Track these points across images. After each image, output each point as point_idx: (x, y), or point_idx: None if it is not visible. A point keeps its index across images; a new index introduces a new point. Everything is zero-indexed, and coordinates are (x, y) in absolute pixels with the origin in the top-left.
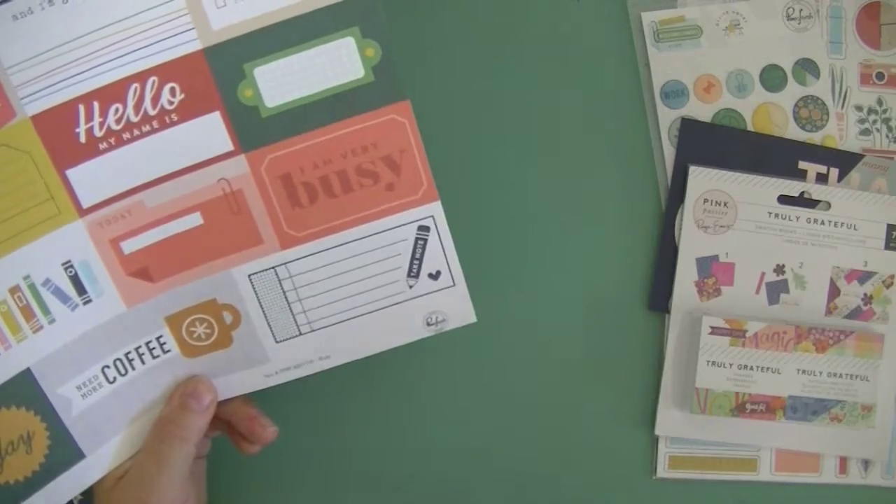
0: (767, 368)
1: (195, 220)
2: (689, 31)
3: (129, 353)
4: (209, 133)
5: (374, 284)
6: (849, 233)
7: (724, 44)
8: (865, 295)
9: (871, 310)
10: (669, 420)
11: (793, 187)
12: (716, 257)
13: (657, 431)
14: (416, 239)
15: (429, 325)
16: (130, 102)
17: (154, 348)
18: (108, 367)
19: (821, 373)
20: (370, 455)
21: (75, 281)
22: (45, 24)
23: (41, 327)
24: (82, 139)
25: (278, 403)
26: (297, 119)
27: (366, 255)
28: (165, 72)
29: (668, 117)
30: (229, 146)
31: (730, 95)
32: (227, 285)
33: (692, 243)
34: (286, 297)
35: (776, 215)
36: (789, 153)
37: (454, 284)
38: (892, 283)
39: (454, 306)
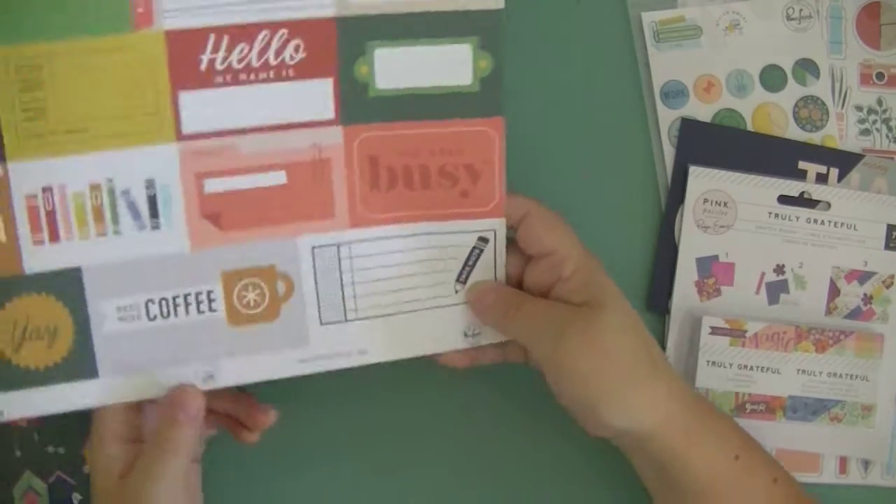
0: (767, 368)
1: (279, 178)
2: (689, 31)
3: (177, 296)
4: (317, 97)
5: (425, 283)
6: (849, 233)
7: (724, 44)
8: (865, 295)
9: (871, 310)
10: None
11: (793, 187)
12: (716, 257)
13: None
14: (474, 248)
15: (466, 336)
16: (257, 47)
17: (202, 302)
18: (152, 301)
19: (821, 373)
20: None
21: (152, 202)
22: None
23: (105, 234)
24: (203, 67)
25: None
26: (399, 106)
27: (424, 251)
28: (296, 28)
29: (668, 117)
30: (331, 115)
31: (730, 95)
32: (289, 253)
33: (692, 243)
34: (341, 278)
35: (776, 215)
36: (789, 153)
37: None
38: (891, 284)
39: None
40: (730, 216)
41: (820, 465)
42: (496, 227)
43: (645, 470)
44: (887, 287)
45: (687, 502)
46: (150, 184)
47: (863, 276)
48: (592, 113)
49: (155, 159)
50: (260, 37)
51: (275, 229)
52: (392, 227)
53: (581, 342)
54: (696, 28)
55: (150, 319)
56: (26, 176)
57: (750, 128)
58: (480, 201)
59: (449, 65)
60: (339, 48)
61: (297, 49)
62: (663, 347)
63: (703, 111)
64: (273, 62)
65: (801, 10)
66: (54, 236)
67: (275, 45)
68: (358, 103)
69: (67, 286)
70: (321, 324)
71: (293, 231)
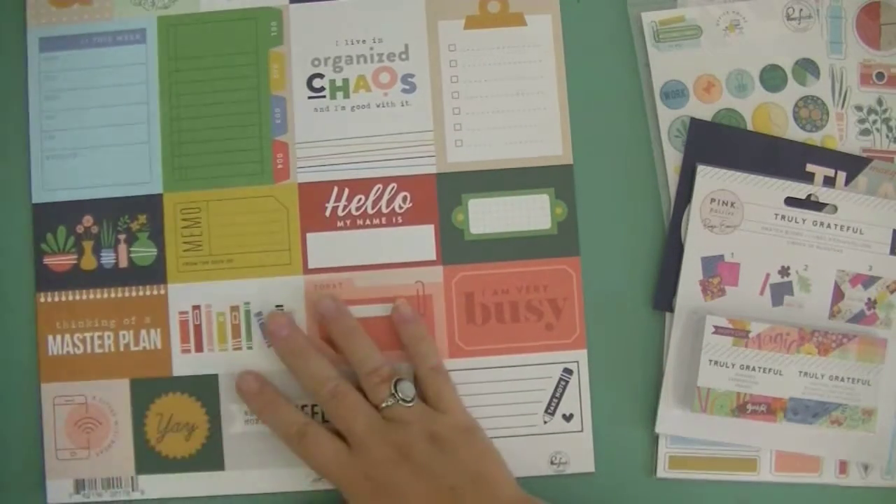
0: (769, 370)
1: (388, 309)
2: (689, 31)
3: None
4: (421, 240)
5: (516, 412)
6: (854, 237)
7: (724, 44)
8: (869, 299)
9: (874, 314)
10: (670, 418)
11: (800, 189)
12: (721, 257)
13: (658, 429)
14: (560, 379)
15: (552, 463)
16: (371, 197)
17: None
18: None
19: (822, 375)
20: None
21: None
22: (333, 121)
23: (240, 348)
24: (327, 214)
25: None
26: (491, 249)
27: (515, 383)
28: (404, 182)
29: (668, 117)
30: (433, 256)
31: (730, 95)
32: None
33: (698, 242)
34: None
35: (783, 217)
36: (797, 155)
37: (582, 430)
38: None
39: (578, 452)
40: (736, 216)
41: (820, 465)
42: (579, 358)
43: None
44: (891, 292)
45: None
46: (279, 308)
47: (867, 281)
48: (592, 113)
49: (285, 288)
50: (374, 189)
51: (384, 354)
52: (486, 359)
53: None
54: (696, 28)
55: None
56: (180, 296)
57: (750, 128)
58: (564, 334)
59: (530, 212)
60: (439, 199)
61: (404, 200)
62: (666, 346)
63: (703, 111)
64: (385, 210)
65: (801, 10)
66: (199, 347)
67: (386, 196)
68: (456, 246)
69: (206, 389)
70: None
71: (398, 357)
